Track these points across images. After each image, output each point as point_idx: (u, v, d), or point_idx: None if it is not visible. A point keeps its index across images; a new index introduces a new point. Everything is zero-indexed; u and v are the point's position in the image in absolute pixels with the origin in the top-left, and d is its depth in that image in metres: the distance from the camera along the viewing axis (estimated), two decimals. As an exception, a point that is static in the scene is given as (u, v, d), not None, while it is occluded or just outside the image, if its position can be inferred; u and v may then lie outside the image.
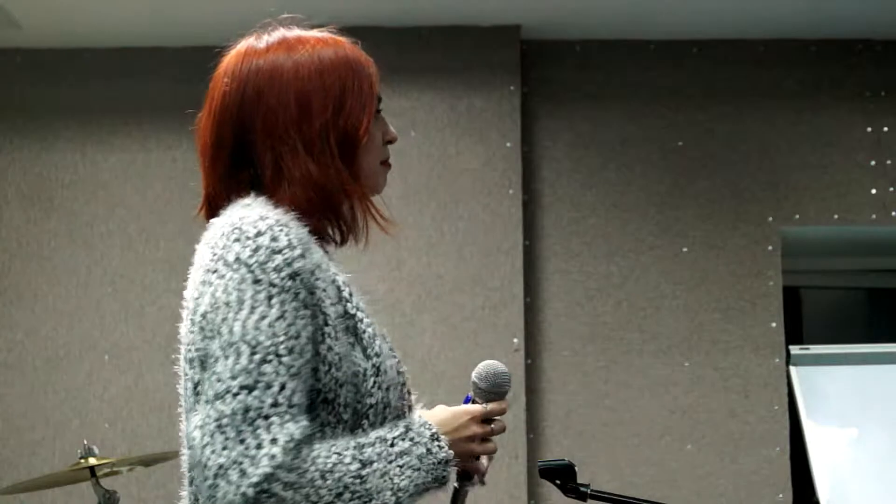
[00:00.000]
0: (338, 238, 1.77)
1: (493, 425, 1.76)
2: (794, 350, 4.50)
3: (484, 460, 1.78)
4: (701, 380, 4.55)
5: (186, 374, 1.62)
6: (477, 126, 4.56)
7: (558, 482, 2.14)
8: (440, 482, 1.64)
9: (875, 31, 4.70)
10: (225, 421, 1.46)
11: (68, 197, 4.64)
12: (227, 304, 1.53)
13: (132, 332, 4.53)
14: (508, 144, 4.55)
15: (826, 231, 4.78)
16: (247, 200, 1.67)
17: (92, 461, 3.32)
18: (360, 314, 1.65)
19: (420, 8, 4.46)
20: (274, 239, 1.56)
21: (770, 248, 4.64)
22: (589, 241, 4.64)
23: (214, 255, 1.59)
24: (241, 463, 1.44)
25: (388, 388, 1.64)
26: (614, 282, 4.61)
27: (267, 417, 1.47)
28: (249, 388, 1.48)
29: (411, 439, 1.62)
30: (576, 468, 2.13)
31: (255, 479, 1.44)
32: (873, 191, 4.68)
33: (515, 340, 4.43)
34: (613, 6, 4.46)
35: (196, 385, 1.57)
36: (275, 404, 1.48)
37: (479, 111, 4.57)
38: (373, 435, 1.59)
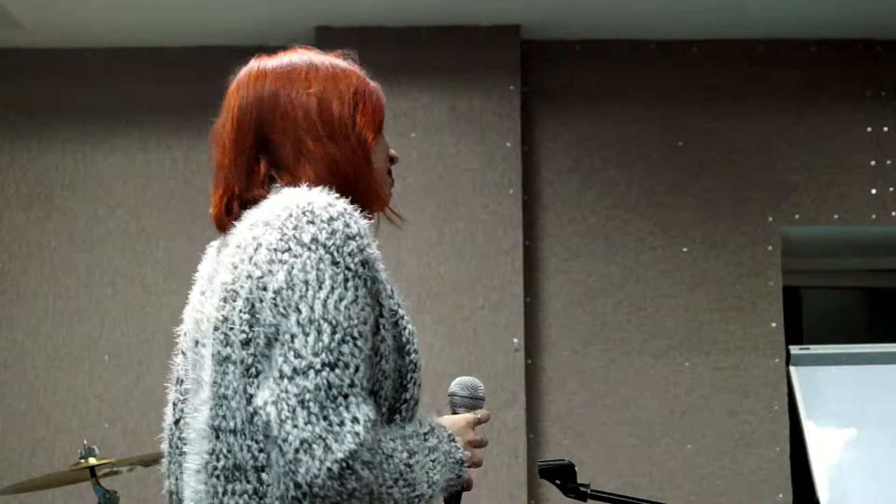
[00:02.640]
0: None
1: (480, 435, 1.79)
2: (794, 350, 4.50)
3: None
4: (701, 380, 4.55)
5: (223, 356, 1.60)
6: (477, 126, 4.56)
7: (558, 482, 2.14)
8: (458, 481, 1.68)
9: (875, 31, 4.70)
10: (308, 396, 1.46)
11: (68, 197, 4.64)
12: (306, 282, 1.53)
13: (132, 332, 4.53)
14: (508, 144, 4.55)
15: (826, 231, 4.78)
16: (301, 189, 1.65)
17: (92, 461, 3.32)
18: (401, 311, 1.67)
19: (420, 8, 4.46)
20: (347, 225, 1.58)
21: (770, 248, 4.64)
22: (589, 241, 4.64)
23: (284, 234, 1.58)
24: (325, 438, 1.45)
25: (419, 386, 1.68)
26: (614, 282, 4.61)
27: (346, 396, 1.48)
28: (332, 366, 1.49)
29: (438, 437, 1.66)
30: (576, 468, 2.14)
31: (340, 455, 1.44)
32: (873, 191, 4.68)
33: (515, 340, 4.43)
34: (614, 6, 4.46)
35: (249, 366, 1.56)
36: (352, 384, 1.49)
37: (479, 111, 4.57)
38: (409, 428, 1.63)
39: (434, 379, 4.29)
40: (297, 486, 1.46)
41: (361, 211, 1.71)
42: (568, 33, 4.70)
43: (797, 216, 4.67)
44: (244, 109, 1.75)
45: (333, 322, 1.51)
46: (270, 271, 1.56)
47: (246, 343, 1.57)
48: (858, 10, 4.49)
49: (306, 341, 1.50)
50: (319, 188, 1.64)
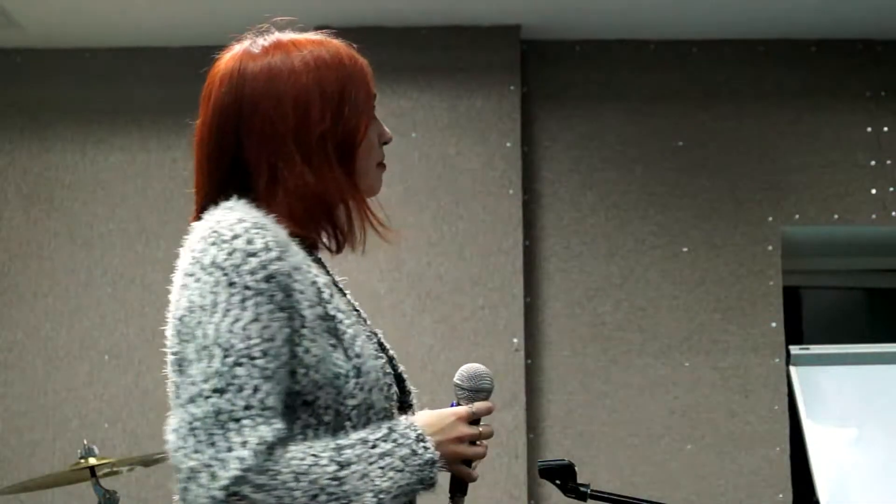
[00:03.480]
0: (333, 246, 1.77)
1: (480, 428, 1.72)
2: (794, 350, 4.50)
3: (475, 470, 1.74)
4: (701, 380, 4.55)
5: (169, 378, 1.62)
6: (477, 126, 4.56)
7: (558, 482, 2.14)
8: (426, 484, 1.61)
9: (875, 32, 4.70)
10: (197, 424, 1.47)
11: (68, 197, 4.64)
12: (202, 307, 1.53)
13: (132, 332, 4.53)
14: (508, 144, 4.55)
15: (826, 231, 4.78)
16: (229, 203, 1.65)
17: (92, 461, 3.32)
18: (339, 315, 1.63)
19: (420, 8, 4.46)
20: (249, 242, 1.55)
21: (770, 248, 4.64)
22: (589, 241, 4.64)
23: (193, 259, 1.58)
24: (210, 466, 1.45)
25: (370, 390, 1.62)
26: (614, 282, 4.61)
27: (238, 420, 1.47)
28: (221, 391, 1.48)
29: (394, 441, 1.59)
30: (576, 468, 2.13)
31: (224, 483, 1.44)
32: (873, 191, 4.68)
33: (515, 340, 4.43)
34: (614, 6, 4.46)
35: (176, 387, 1.56)
36: (247, 407, 1.48)
37: (479, 111, 4.57)
38: (354, 436, 1.58)
39: (434, 379, 4.31)
40: None
41: (341, 233, 1.72)
42: (568, 33, 4.69)
43: (797, 216, 4.66)
44: (221, 111, 1.72)
45: (226, 346, 1.50)
46: (180, 297, 1.58)
47: (173, 368, 1.59)
48: (858, 10, 4.49)
49: (199, 367, 1.50)
50: (243, 203, 1.63)
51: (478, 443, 1.72)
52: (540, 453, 4.44)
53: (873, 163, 4.70)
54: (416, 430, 1.62)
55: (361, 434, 1.58)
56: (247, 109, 1.69)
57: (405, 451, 1.59)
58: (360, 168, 1.73)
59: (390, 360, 1.76)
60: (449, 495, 1.73)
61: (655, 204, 4.66)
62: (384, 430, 1.60)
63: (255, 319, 1.52)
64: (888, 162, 4.70)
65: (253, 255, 1.55)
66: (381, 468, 1.56)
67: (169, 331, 1.62)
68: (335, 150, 1.69)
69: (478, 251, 4.49)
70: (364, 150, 1.74)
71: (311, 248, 1.71)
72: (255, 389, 1.49)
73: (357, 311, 1.75)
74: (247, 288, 1.53)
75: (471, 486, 1.76)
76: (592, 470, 4.38)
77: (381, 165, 1.80)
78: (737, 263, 4.63)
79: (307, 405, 1.58)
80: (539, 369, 4.54)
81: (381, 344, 1.75)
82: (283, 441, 1.50)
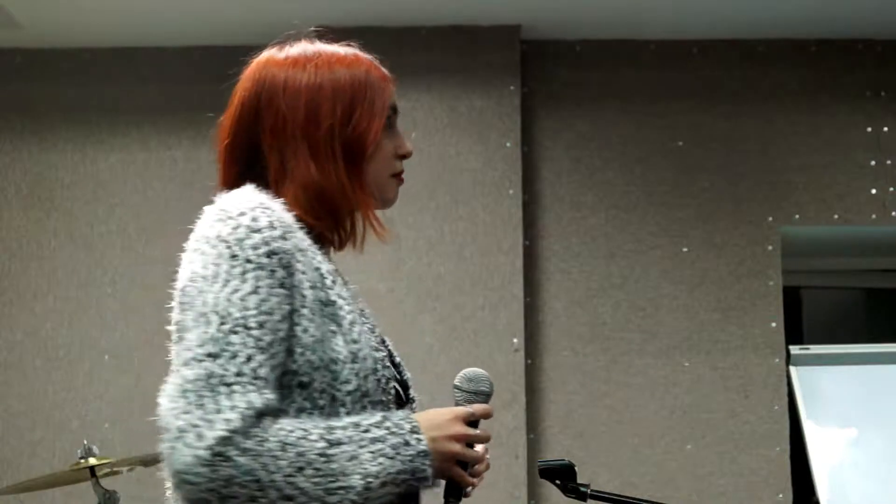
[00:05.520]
0: (336, 243, 1.79)
1: (478, 431, 1.71)
2: (794, 350, 4.50)
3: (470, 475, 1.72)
4: (701, 380, 4.55)
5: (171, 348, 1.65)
6: (477, 126, 4.56)
7: (558, 482, 2.14)
8: (417, 475, 1.60)
9: (875, 31, 4.70)
10: (188, 386, 1.51)
11: (68, 197, 4.64)
12: (204, 277, 1.57)
13: (132, 332, 4.53)
14: (508, 144, 4.55)
15: (826, 231, 4.78)
16: (240, 189, 1.70)
17: (92, 461, 3.32)
18: (340, 301, 1.65)
19: (420, 8, 4.46)
20: (254, 219, 1.60)
21: (770, 248, 4.64)
22: (589, 241, 4.64)
23: (198, 234, 1.63)
24: (197, 426, 1.48)
25: (365, 377, 1.63)
26: (614, 282, 4.61)
27: (229, 385, 1.50)
28: (214, 356, 1.51)
29: (387, 428, 1.60)
30: (576, 468, 2.14)
31: (209, 442, 1.47)
32: (873, 191, 4.68)
33: (515, 340, 4.43)
34: (613, 6, 4.46)
35: (175, 355, 1.60)
36: (239, 373, 1.51)
37: (479, 111, 4.57)
38: (346, 419, 1.59)
39: (434, 379, 4.30)
40: (175, 473, 1.50)
41: (343, 230, 1.75)
42: (568, 33, 4.70)
43: (797, 216, 4.66)
44: (244, 108, 1.77)
45: (223, 313, 1.53)
46: (184, 270, 1.62)
47: (174, 339, 1.62)
48: (858, 10, 4.49)
49: (195, 333, 1.54)
50: (252, 188, 1.68)
51: (475, 447, 1.71)
52: (540, 453, 4.44)
53: (873, 163, 4.70)
54: (411, 422, 1.62)
55: (354, 418, 1.59)
56: (264, 102, 1.74)
57: (397, 440, 1.59)
58: (371, 174, 1.76)
59: (396, 366, 1.78)
60: (443, 499, 1.72)
61: (655, 204, 4.66)
62: (378, 417, 1.61)
63: (254, 292, 1.55)
64: (888, 162, 4.70)
65: (256, 231, 1.59)
66: (372, 452, 1.56)
67: (175, 302, 1.65)
68: (343, 149, 1.73)
69: (478, 251, 4.49)
70: (378, 158, 1.77)
71: (317, 239, 1.73)
72: (249, 358, 1.52)
73: (360, 306, 1.76)
74: (248, 261, 1.57)
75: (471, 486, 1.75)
76: (592, 470, 4.37)
77: (398, 177, 1.83)
78: (737, 263, 4.63)
79: (302, 387, 1.59)
80: (539, 369, 4.54)
81: (382, 340, 1.76)
82: (273, 412, 1.52)
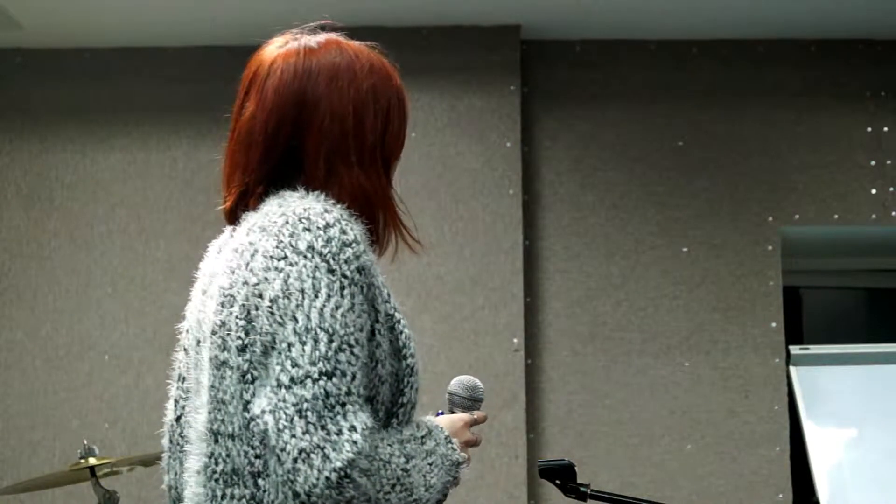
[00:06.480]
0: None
1: (475, 435, 1.80)
2: (794, 350, 4.50)
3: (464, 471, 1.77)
4: (701, 380, 4.55)
5: (220, 360, 1.60)
6: (477, 126, 4.56)
7: (558, 482, 2.14)
8: (455, 484, 1.68)
9: (876, 31, 4.70)
10: (306, 406, 1.48)
11: (68, 197, 4.64)
12: (303, 291, 1.54)
13: (132, 332, 4.53)
14: (508, 144, 4.55)
15: (826, 231, 4.78)
16: (298, 194, 1.66)
17: (92, 461, 3.32)
18: (397, 315, 1.67)
19: (420, 8, 4.46)
20: (343, 232, 1.58)
21: (770, 248, 4.64)
22: (589, 241, 4.64)
23: (281, 242, 1.58)
24: (323, 448, 1.46)
25: (417, 390, 1.67)
26: (614, 282, 4.61)
27: (344, 405, 1.49)
28: (329, 375, 1.50)
29: (435, 440, 1.65)
30: (576, 468, 2.14)
31: (338, 465, 1.46)
32: (873, 191, 4.68)
33: (515, 340, 4.43)
34: (613, 6, 4.46)
35: (245, 372, 1.56)
36: (349, 392, 1.51)
37: (479, 111, 4.57)
38: (406, 432, 1.62)
39: (433, 379, 4.29)
40: (296, 495, 1.47)
41: (376, 235, 1.74)
42: (568, 33, 4.70)
43: (797, 216, 4.66)
44: (283, 101, 1.70)
45: (330, 331, 1.52)
46: (266, 279, 1.57)
47: (242, 349, 1.58)
48: (858, 10, 4.49)
49: (303, 350, 1.51)
50: (317, 194, 1.64)
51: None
52: (540, 453, 4.45)
53: (873, 163, 4.70)
54: (443, 432, 1.69)
55: (411, 431, 1.64)
56: (310, 103, 1.70)
57: (444, 450, 1.66)
58: (392, 180, 1.79)
59: None
60: None
61: (655, 204, 4.66)
62: (425, 430, 1.66)
63: (351, 308, 1.55)
64: (888, 162, 4.70)
65: (348, 245, 1.58)
66: (430, 465, 1.61)
67: (237, 311, 1.59)
68: (381, 158, 1.74)
69: (478, 251, 4.49)
70: (395, 165, 1.80)
71: None
72: (354, 377, 1.52)
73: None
74: (344, 276, 1.56)
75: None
76: (592, 470, 4.37)
77: None
78: (737, 263, 4.63)
79: (368, 401, 1.60)
80: (539, 369, 4.54)
81: None
82: (375, 429, 1.54)
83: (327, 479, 1.45)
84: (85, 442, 3.40)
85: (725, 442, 4.50)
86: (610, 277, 4.61)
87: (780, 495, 4.45)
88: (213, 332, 1.63)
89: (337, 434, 1.47)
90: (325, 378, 1.49)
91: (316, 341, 1.51)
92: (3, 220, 4.63)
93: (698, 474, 4.48)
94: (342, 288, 1.54)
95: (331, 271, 1.55)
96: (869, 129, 4.72)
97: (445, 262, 4.48)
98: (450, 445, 1.67)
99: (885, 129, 4.72)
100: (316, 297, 1.53)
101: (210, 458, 1.62)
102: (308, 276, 1.54)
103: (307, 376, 1.49)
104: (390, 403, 1.63)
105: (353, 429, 1.48)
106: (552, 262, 4.63)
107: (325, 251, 1.56)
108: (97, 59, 4.70)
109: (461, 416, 1.77)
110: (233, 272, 1.62)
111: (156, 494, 4.41)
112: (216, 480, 1.60)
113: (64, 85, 4.70)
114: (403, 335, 1.66)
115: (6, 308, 4.57)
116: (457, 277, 4.47)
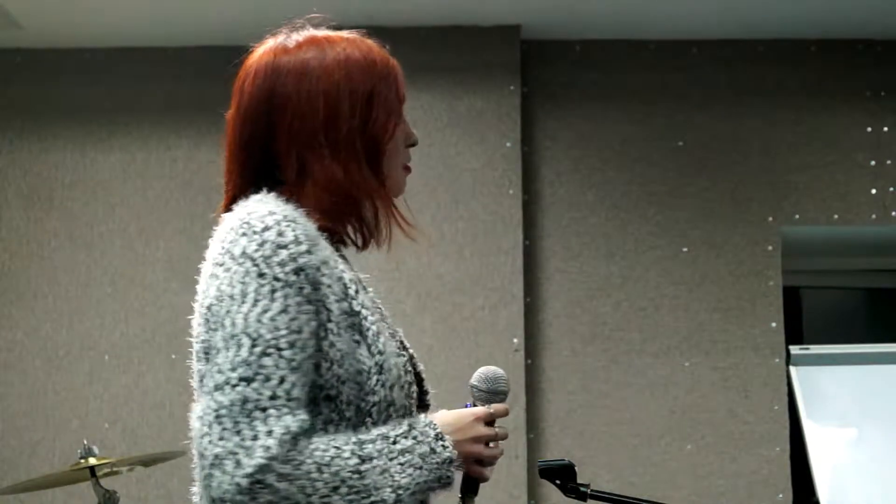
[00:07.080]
0: (359, 242, 1.79)
1: (497, 429, 1.74)
2: (794, 350, 4.50)
3: (487, 470, 1.75)
4: (701, 380, 4.55)
5: (195, 368, 1.63)
6: (477, 126, 4.56)
7: (558, 482, 2.14)
8: (443, 482, 1.63)
9: (876, 32, 4.70)
10: (223, 412, 1.49)
11: (68, 197, 4.64)
12: (231, 296, 1.54)
13: (132, 332, 4.53)
14: (508, 144, 4.55)
15: (826, 231, 4.78)
16: (259, 196, 1.66)
17: (92, 461, 3.32)
18: (364, 311, 1.64)
19: (420, 8, 4.46)
20: (280, 234, 1.57)
21: (770, 248, 4.64)
22: (589, 241, 4.64)
23: (223, 248, 1.59)
24: (236, 454, 1.46)
25: (391, 387, 1.63)
26: (614, 282, 4.61)
27: (264, 409, 1.49)
28: (248, 380, 1.50)
29: (414, 438, 1.61)
30: (576, 468, 2.13)
31: (249, 470, 1.46)
32: (873, 191, 4.68)
33: (515, 340, 4.43)
34: (613, 6, 4.46)
35: (202, 378, 1.58)
36: (273, 397, 1.50)
37: (479, 111, 4.57)
38: (375, 432, 1.59)
39: (434, 379, 4.28)
40: (212, 500, 1.48)
41: (367, 228, 1.73)
42: (568, 33, 4.70)
43: (797, 216, 4.67)
44: (255, 102, 1.71)
45: (254, 335, 1.51)
46: (209, 286, 1.60)
47: (198, 357, 1.61)
48: (858, 10, 4.49)
49: (227, 356, 1.52)
50: (273, 196, 1.64)
51: (492, 444, 1.74)
52: (540, 453, 4.45)
53: (873, 163, 4.70)
54: (434, 429, 1.64)
55: (382, 430, 1.60)
56: (278, 102, 1.69)
57: (424, 448, 1.61)
58: (385, 168, 1.75)
59: (410, 358, 1.77)
60: (460, 494, 1.74)
61: (655, 204, 4.66)
62: (404, 427, 1.61)
63: (284, 311, 1.53)
64: (888, 162, 4.70)
65: (283, 247, 1.56)
66: (401, 464, 1.58)
67: (196, 319, 1.63)
68: (363, 147, 1.71)
69: (478, 251, 4.49)
70: (391, 151, 1.75)
71: (337, 243, 1.73)
72: (282, 380, 1.51)
73: (380, 308, 1.77)
74: (276, 279, 1.54)
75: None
76: (592, 470, 4.37)
77: (407, 168, 1.82)
78: (737, 263, 4.63)
79: (330, 400, 1.59)
80: (539, 369, 4.54)
81: (401, 342, 1.77)
82: (307, 432, 1.51)
83: (237, 484, 1.45)
84: (85, 442, 3.40)
85: (725, 442, 4.50)
86: (610, 277, 4.61)
87: (780, 495, 4.45)
88: (192, 339, 1.66)
89: (252, 439, 1.47)
90: (243, 383, 1.49)
91: (239, 346, 1.51)
92: (3, 220, 4.63)
93: (698, 474, 4.48)
94: (273, 291, 1.53)
95: (261, 275, 1.54)
96: (869, 129, 4.72)
97: (445, 262, 4.48)
98: (439, 443, 1.63)
99: (885, 129, 4.72)
100: (243, 301, 1.53)
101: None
102: (238, 281, 1.55)
103: (227, 382, 1.50)
104: (360, 402, 1.60)
105: (269, 433, 1.47)
106: (552, 262, 4.63)
107: (256, 255, 1.55)
108: (97, 59, 4.70)
109: (473, 411, 1.72)
110: (201, 279, 1.65)
111: (156, 494, 4.41)
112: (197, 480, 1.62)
113: (64, 85, 4.70)
114: (371, 332, 1.63)
115: (6, 308, 4.57)
116: (457, 277, 4.47)
